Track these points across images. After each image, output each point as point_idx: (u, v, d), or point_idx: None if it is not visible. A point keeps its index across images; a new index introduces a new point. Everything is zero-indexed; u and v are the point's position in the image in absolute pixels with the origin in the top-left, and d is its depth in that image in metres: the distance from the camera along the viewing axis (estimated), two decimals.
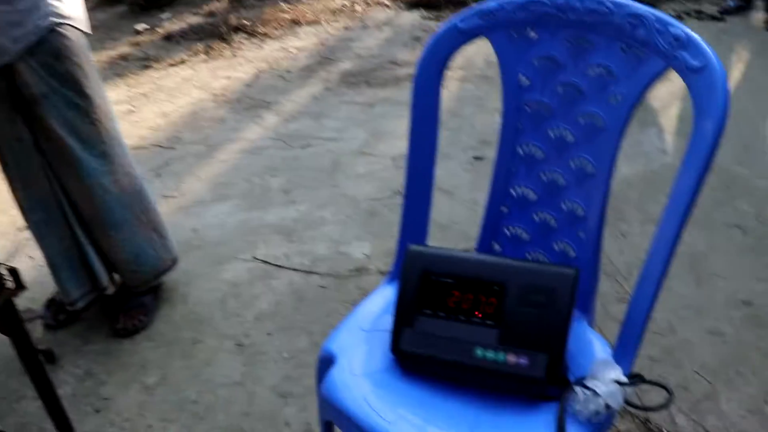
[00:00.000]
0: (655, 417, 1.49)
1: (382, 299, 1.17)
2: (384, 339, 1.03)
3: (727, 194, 2.32)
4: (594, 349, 1.05)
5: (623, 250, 2.07)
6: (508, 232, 1.21)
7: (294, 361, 1.77)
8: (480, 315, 0.96)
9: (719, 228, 2.16)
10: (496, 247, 1.23)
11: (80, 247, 1.78)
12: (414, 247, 1.02)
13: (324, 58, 3.83)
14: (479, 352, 0.94)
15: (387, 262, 2.08)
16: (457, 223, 2.27)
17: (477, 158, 2.69)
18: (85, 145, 1.63)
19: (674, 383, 1.57)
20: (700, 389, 1.59)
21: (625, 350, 0.98)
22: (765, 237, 2.11)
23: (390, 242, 2.03)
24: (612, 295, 1.88)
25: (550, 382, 0.91)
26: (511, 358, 0.93)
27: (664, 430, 1.46)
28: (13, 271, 1.15)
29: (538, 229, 1.17)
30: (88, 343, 1.90)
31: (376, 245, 2.20)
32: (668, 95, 3.01)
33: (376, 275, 2.05)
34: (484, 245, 1.23)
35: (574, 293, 0.93)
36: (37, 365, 1.25)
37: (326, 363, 1.05)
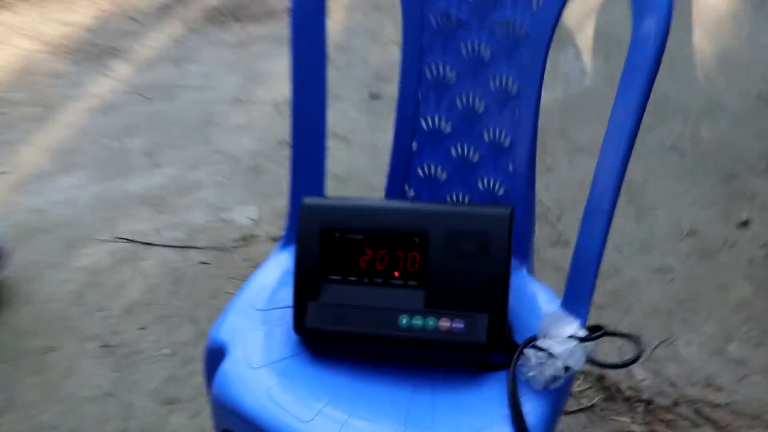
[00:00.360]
0: (610, 373, 1.48)
1: (277, 270, 1.12)
2: (285, 318, 0.98)
3: (659, 116, 2.36)
4: (540, 302, 1.04)
5: (550, 186, 2.09)
6: (421, 173, 1.18)
7: (177, 358, 1.70)
8: (400, 275, 0.92)
9: (654, 153, 2.21)
10: (410, 191, 1.19)
11: None
12: (310, 201, 0.96)
13: None
14: (404, 320, 0.90)
15: (279, 226, 2.05)
16: (356, 172, 2.26)
17: (373, 97, 2.68)
18: None
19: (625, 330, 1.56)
20: (655, 334, 1.60)
21: (577, 300, 0.95)
22: (704, 158, 2.16)
23: (280, 202, 1.96)
24: (545, 238, 1.88)
25: (494, 347, 0.88)
26: (444, 324, 0.89)
27: (622, 386, 1.45)
28: None
29: (458, 166, 1.15)
30: None
31: (264, 207, 2.18)
32: (582, 13, 3.06)
33: (267, 243, 2.03)
34: (394, 191, 1.19)
35: (511, 236, 0.89)
36: None
37: (215, 356, 0.98)
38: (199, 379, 1.60)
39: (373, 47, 3.01)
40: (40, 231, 2.14)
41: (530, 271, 1.11)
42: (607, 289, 1.72)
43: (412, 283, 0.92)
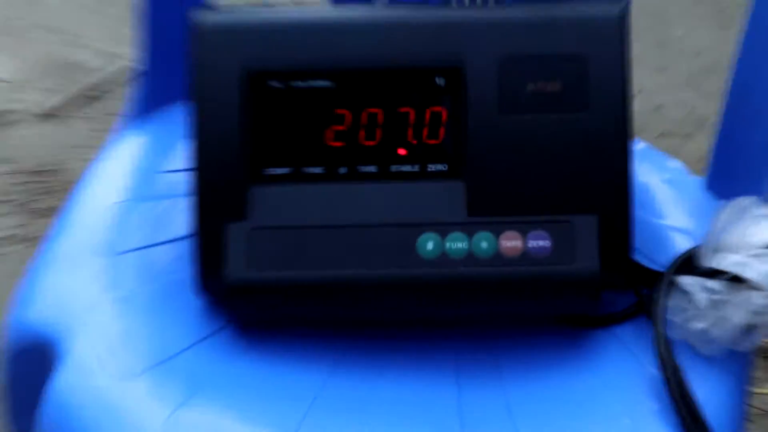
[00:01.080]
0: None
1: (128, 169, 0.94)
2: (168, 264, 0.81)
3: None
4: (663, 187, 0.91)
5: None
6: None
7: None
8: (411, 155, 0.75)
9: None
10: None
11: None
12: (209, 16, 0.77)
13: None
14: (429, 244, 0.72)
15: (51, 88, 1.78)
16: None
17: None
18: None
19: None
20: None
21: (749, 172, 0.86)
22: None
23: (43, 37, 1.68)
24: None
25: (613, 278, 0.72)
26: (510, 243, 0.71)
27: None
28: None
29: None
30: None
31: (13, 49, 1.93)
32: None
33: (33, 123, 1.80)
34: None
35: (628, 57, 0.73)
36: None
37: (32, 363, 0.81)
38: None
39: None
40: None
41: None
42: None
43: (436, 168, 0.74)
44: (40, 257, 0.86)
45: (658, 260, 0.77)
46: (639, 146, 0.95)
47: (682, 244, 0.80)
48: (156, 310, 0.78)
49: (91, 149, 1.05)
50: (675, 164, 0.95)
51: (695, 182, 0.92)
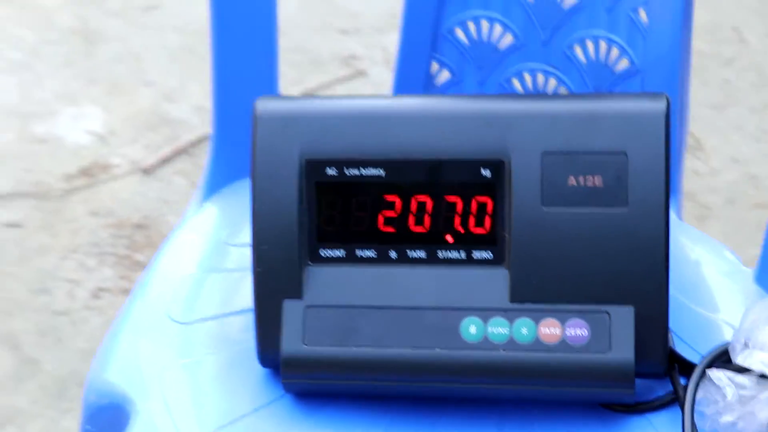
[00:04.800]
0: None
1: (201, 242, 1.02)
2: (229, 337, 0.89)
3: None
4: (709, 272, 0.95)
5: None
6: (464, 32, 1.10)
7: None
8: (457, 242, 0.80)
9: None
10: (440, 72, 1.12)
11: None
12: (270, 104, 0.84)
13: None
14: (471, 327, 0.78)
15: (150, 144, 1.86)
16: (281, 28, 2.19)
17: None
18: None
19: None
20: None
21: None
22: None
23: (146, 95, 1.85)
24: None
25: (648, 368, 0.77)
26: (549, 330, 0.77)
27: None
28: None
29: (536, 13, 1.09)
30: None
31: (116, 106, 2.02)
32: None
33: (130, 178, 1.88)
34: (410, 69, 1.12)
35: (669, 155, 0.77)
36: None
37: (105, 419, 0.88)
38: None
39: None
40: None
41: (679, 215, 1.04)
42: None
43: (481, 256, 0.79)
44: (118, 320, 0.94)
45: (702, 350, 0.80)
46: (697, 234, 1.00)
47: (725, 336, 0.83)
48: (222, 377, 0.86)
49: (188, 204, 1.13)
50: (731, 256, 0.96)
51: (749, 275, 0.94)
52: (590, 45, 1.08)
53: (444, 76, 1.11)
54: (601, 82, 1.07)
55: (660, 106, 0.77)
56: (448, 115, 0.82)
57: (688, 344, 0.82)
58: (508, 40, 1.09)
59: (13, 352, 1.60)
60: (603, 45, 1.07)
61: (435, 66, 1.11)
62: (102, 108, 2.06)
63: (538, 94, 1.07)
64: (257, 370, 0.84)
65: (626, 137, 0.77)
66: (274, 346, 0.79)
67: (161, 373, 0.87)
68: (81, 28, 2.20)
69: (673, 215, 0.99)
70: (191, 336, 0.90)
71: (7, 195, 1.91)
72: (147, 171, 1.88)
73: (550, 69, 1.10)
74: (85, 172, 1.94)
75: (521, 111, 0.81)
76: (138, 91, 2.03)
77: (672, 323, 0.81)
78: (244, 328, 0.86)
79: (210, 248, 1.02)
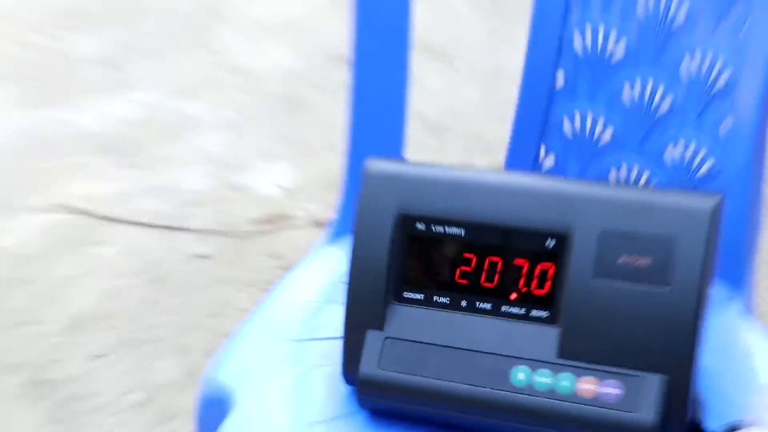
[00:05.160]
0: None
1: (322, 275, 1.11)
2: (331, 355, 0.96)
3: None
4: (759, 362, 0.98)
5: None
6: (570, 127, 1.15)
7: (154, 410, 1.68)
8: (519, 300, 0.87)
9: None
10: (548, 158, 1.17)
11: None
12: (377, 166, 0.92)
13: None
14: (520, 374, 0.85)
15: (329, 202, 1.94)
16: (461, 116, 2.21)
17: None
18: None
19: None
20: None
21: None
22: None
23: (333, 159, 1.91)
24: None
25: (668, 430, 0.81)
26: (587, 386, 0.83)
27: None
28: None
29: (633, 116, 1.12)
30: None
31: (305, 167, 2.15)
32: None
33: (307, 229, 2.01)
34: (520, 154, 1.18)
35: (712, 248, 0.82)
36: None
37: (215, 410, 0.97)
38: None
39: None
40: None
41: (749, 308, 1.05)
42: None
43: (538, 314, 0.87)
44: (236, 331, 1.04)
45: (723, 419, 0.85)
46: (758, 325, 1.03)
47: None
48: (312, 385, 0.95)
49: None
50: None
51: None
52: (680, 146, 1.10)
53: (550, 161, 1.16)
54: (686, 180, 1.10)
55: (709, 203, 0.82)
56: (525, 190, 0.89)
57: (732, 414, 0.86)
58: (607, 136, 1.13)
59: (183, 361, 1.73)
60: (691, 147, 1.09)
61: (543, 151, 1.17)
62: (293, 166, 2.18)
63: (605, 181, 1.12)
64: (342, 385, 0.92)
65: (675, 227, 0.82)
66: (355, 368, 0.88)
67: (263, 379, 0.97)
68: (288, 97, 2.33)
69: (737, 306, 1.04)
70: (299, 351, 1.00)
71: (203, 231, 2.05)
72: (322, 225, 1.95)
73: (642, 164, 1.13)
74: (269, 219, 2.07)
75: (588, 193, 0.87)
76: (326, 156, 2.13)
77: (717, 398, 0.88)
78: (339, 352, 0.92)
79: (329, 283, 1.09)
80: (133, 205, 2.08)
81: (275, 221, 2.05)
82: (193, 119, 2.28)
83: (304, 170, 2.15)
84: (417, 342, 0.88)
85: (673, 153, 1.11)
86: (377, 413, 0.92)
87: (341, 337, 0.92)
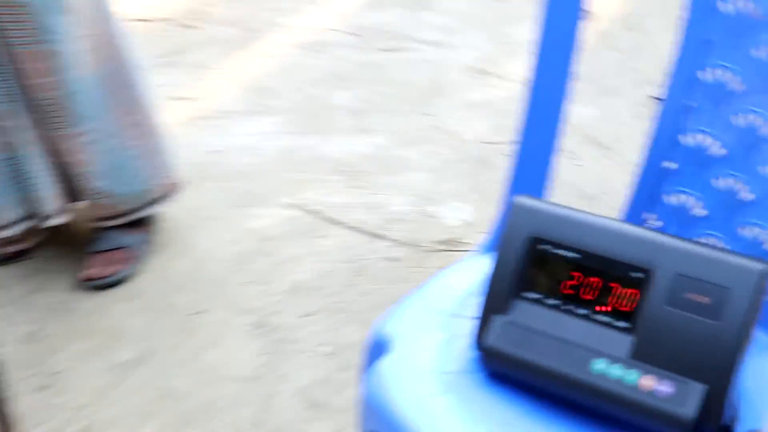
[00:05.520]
0: None
1: (473, 273, 1.21)
2: (469, 329, 1.08)
3: None
4: None
5: None
6: (672, 201, 1.22)
7: (336, 360, 1.83)
8: (608, 310, 0.99)
9: None
10: (652, 220, 1.25)
11: (17, 146, 1.75)
12: (522, 201, 1.06)
13: None
14: (599, 365, 0.97)
15: None
16: (612, 193, 2.26)
17: (657, 99, 2.66)
18: None
19: None
20: None
21: None
22: None
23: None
24: None
25: (703, 427, 0.92)
26: (647, 382, 0.95)
27: None
28: None
29: (722, 202, 1.18)
30: (40, 290, 1.96)
31: (482, 209, 2.27)
32: None
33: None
34: (632, 215, 1.25)
35: (759, 299, 0.94)
36: None
37: (376, 351, 1.11)
38: (355, 390, 1.70)
39: (671, 29, 2.97)
40: (213, 177, 2.35)
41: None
42: None
43: (621, 324, 0.99)
44: (405, 298, 1.15)
45: (750, 424, 0.95)
46: None
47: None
48: (452, 346, 1.08)
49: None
50: None
51: None
52: (757, 229, 1.15)
53: (653, 224, 1.23)
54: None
55: (759, 266, 0.93)
56: (626, 234, 1.01)
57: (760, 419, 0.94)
58: (701, 211, 1.19)
59: (365, 330, 1.61)
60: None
61: (648, 216, 1.24)
62: (474, 207, 2.35)
63: (686, 238, 1.07)
64: (472, 350, 1.05)
65: (731, 280, 0.93)
66: (483, 340, 1.03)
67: (416, 334, 1.10)
68: (481, 157, 2.46)
69: None
70: (446, 322, 1.12)
71: (398, 241, 2.23)
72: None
73: (725, 241, 1.19)
74: (448, 242, 2.24)
75: (672, 244, 0.99)
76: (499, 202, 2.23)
77: (750, 414, 0.97)
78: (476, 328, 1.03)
79: (476, 279, 1.17)
80: (350, 214, 2.33)
81: (452, 244, 2.22)
82: (407, 161, 2.45)
83: (481, 211, 2.32)
84: (528, 328, 1.01)
85: (747, 232, 1.16)
86: (494, 375, 1.04)
87: (479, 317, 1.03)
